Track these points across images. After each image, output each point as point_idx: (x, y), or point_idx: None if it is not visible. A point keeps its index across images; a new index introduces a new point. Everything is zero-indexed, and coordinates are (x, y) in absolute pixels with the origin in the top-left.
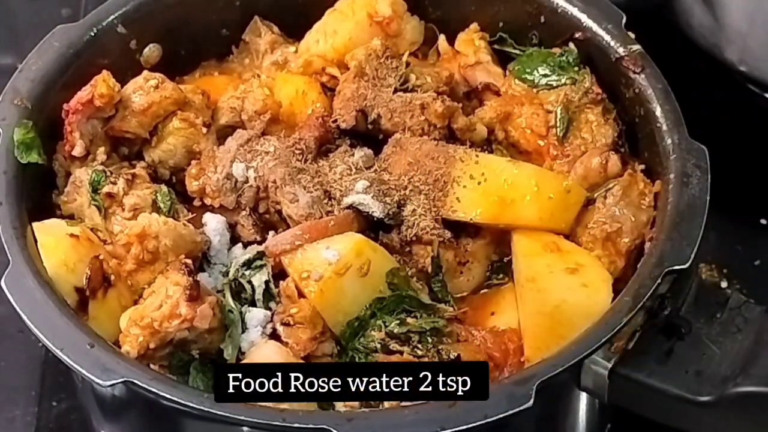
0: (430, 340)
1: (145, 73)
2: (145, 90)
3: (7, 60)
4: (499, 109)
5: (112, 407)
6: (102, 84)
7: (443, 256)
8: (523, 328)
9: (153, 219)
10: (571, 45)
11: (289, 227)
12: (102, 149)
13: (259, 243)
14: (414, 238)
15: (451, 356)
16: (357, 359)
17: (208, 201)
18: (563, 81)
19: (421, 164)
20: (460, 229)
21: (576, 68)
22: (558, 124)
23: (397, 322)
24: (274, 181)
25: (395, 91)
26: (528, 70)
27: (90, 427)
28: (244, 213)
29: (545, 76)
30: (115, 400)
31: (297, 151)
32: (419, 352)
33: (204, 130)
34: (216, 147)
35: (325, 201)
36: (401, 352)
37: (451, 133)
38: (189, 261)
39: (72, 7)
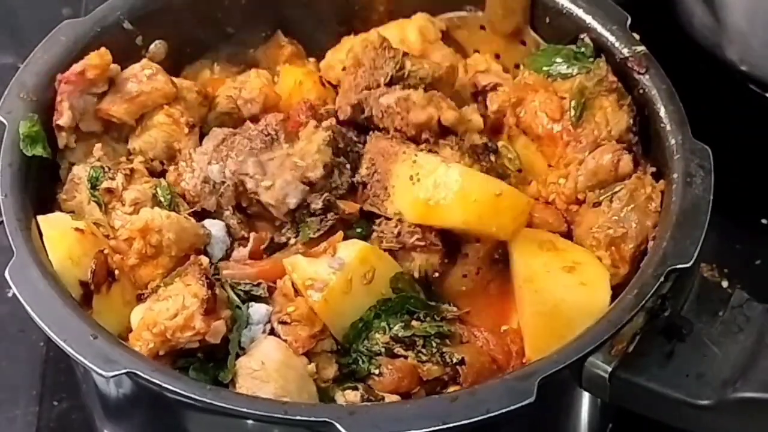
0: (434, 344)
1: (145, 61)
2: (139, 78)
3: (8, 59)
4: (512, 93)
5: (116, 405)
6: (95, 56)
7: (428, 261)
8: (523, 328)
9: (156, 213)
10: (587, 39)
11: (271, 214)
12: (99, 145)
13: (247, 239)
14: (397, 246)
15: (455, 359)
16: (360, 362)
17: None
18: (577, 71)
19: (375, 161)
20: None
21: (591, 59)
22: (572, 109)
23: (402, 324)
24: (247, 173)
25: (391, 80)
26: (542, 61)
27: (91, 427)
28: (227, 212)
29: (559, 65)
30: (119, 398)
31: (265, 138)
32: (423, 357)
33: (186, 129)
34: (194, 150)
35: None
36: (405, 357)
37: (446, 130)
38: (206, 262)
39: (73, 7)
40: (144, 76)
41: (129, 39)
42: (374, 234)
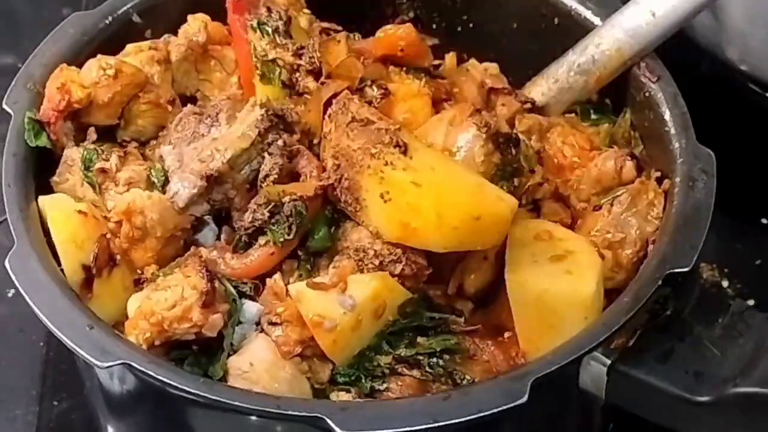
0: (441, 362)
1: (101, 60)
2: (104, 82)
3: (8, 59)
4: (539, 120)
5: (119, 400)
6: (76, 88)
7: (416, 281)
8: (514, 321)
9: (137, 194)
10: (607, 101)
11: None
12: (92, 129)
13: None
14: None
15: (465, 380)
16: (363, 380)
17: None
18: (604, 120)
19: (339, 163)
20: None
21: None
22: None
23: (406, 342)
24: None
25: None
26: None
27: (94, 425)
28: None
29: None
30: (122, 394)
31: (206, 120)
32: (430, 376)
33: (169, 108)
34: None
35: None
36: (412, 376)
37: None
38: (206, 254)
39: (73, 7)
40: (109, 78)
41: (138, 32)
42: (349, 255)
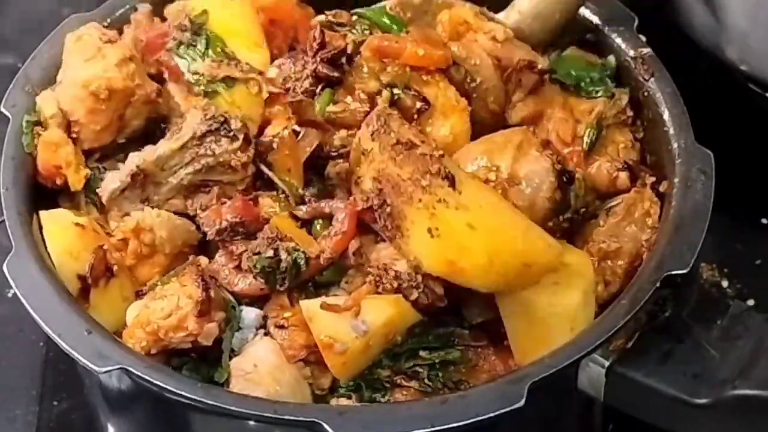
0: (440, 374)
1: (90, 84)
2: (100, 106)
3: (8, 60)
4: (534, 107)
5: (119, 400)
6: (76, 178)
7: (429, 302)
8: (507, 332)
9: (147, 212)
10: (610, 58)
11: None
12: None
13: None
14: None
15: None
16: (364, 387)
17: None
18: (602, 93)
19: (383, 187)
20: None
21: (613, 84)
22: (586, 137)
23: (407, 356)
24: None
25: None
26: (569, 65)
27: (91, 426)
28: None
29: (580, 80)
30: (123, 393)
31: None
32: (429, 389)
33: (159, 100)
34: None
35: None
36: (411, 387)
37: None
38: (204, 262)
39: (72, 7)
40: (105, 101)
41: None
42: (366, 272)
